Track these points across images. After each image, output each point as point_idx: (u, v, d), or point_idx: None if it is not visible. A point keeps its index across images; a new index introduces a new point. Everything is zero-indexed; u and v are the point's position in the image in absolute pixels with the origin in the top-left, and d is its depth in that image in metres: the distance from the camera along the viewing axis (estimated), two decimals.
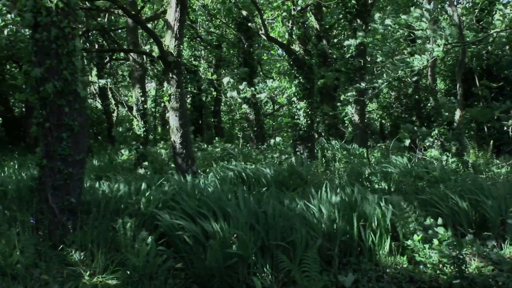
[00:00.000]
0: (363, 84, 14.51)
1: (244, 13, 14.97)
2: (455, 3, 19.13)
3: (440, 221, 5.90)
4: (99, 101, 24.99)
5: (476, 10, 20.67)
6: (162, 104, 24.26)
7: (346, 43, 13.88)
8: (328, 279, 5.21)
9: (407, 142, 12.56)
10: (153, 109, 25.81)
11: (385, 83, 12.84)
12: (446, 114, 16.21)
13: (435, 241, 5.54)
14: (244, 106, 18.42)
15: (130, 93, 28.62)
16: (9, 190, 7.11)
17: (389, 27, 11.68)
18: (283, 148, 16.14)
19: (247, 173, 9.27)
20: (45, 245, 5.38)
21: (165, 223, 5.73)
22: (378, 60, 19.03)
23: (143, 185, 7.54)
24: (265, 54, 23.88)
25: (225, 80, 19.77)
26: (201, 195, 6.76)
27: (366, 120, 18.51)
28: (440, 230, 5.66)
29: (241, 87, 14.38)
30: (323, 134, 21.35)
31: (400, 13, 16.02)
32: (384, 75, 12.93)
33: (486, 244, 5.77)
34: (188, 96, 23.47)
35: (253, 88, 15.16)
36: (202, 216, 5.70)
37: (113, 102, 26.09)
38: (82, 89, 5.85)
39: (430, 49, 11.01)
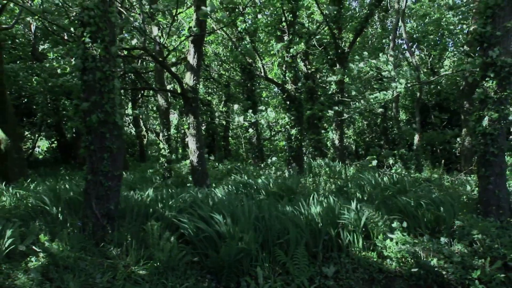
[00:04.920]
0: (339, 108, 14.62)
1: (248, 59, 15.15)
2: (413, 51, 19.32)
3: (405, 224, 5.90)
4: (133, 128, 25.07)
5: (430, 59, 20.90)
6: (183, 131, 24.34)
7: (328, 78, 13.98)
8: (314, 270, 5.22)
9: (375, 162, 12.63)
10: (175, 135, 25.92)
11: (358, 110, 12.96)
12: (407, 138, 16.29)
13: (399, 240, 5.54)
14: (250, 130, 18.55)
15: (157, 122, 28.75)
16: (62, 199, 7.12)
17: (361, 69, 11.85)
18: (278, 166, 16.11)
19: (250, 186, 9.24)
20: (90, 243, 5.40)
21: (184, 225, 5.73)
22: (352, 93, 19.16)
23: (167, 194, 7.53)
24: (264, 92, 24.05)
25: (235, 107, 20.00)
26: (214, 203, 6.76)
27: (344, 144, 18.49)
28: (398, 232, 5.68)
29: (247, 114, 14.45)
30: (310, 154, 21.32)
31: (372, 57, 16.20)
32: (358, 104, 13.05)
33: (439, 242, 5.76)
34: (203, 124, 23.56)
35: (256, 115, 15.26)
36: (214, 219, 5.70)
37: (144, 129, 26.21)
38: (120, 119, 5.92)
39: (394, 87, 11.14)
